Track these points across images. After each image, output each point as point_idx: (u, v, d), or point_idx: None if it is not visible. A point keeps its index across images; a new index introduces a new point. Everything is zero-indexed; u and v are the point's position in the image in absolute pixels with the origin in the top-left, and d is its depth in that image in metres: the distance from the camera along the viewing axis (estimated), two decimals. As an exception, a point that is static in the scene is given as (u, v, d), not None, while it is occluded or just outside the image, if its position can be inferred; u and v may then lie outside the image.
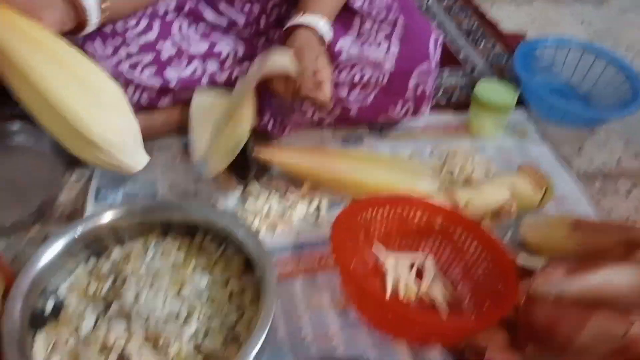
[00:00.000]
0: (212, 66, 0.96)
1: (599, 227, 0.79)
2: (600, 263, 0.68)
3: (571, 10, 1.61)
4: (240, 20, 0.98)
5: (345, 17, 0.96)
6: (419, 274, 0.81)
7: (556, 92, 1.23)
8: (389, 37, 0.95)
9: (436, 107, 1.16)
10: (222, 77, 0.96)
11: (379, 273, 0.81)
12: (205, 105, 0.91)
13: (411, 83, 0.98)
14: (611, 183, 1.04)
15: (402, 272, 0.80)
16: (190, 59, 0.94)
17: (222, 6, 0.97)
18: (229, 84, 0.96)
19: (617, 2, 1.66)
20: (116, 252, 0.73)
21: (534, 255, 0.83)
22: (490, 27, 1.46)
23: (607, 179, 1.04)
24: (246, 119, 0.82)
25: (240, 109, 0.82)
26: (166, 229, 0.77)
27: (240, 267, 0.73)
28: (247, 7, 0.97)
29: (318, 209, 0.91)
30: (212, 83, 0.96)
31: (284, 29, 0.88)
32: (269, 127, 0.99)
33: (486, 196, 0.89)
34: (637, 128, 1.17)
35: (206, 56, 0.95)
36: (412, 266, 0.82)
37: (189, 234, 0.76)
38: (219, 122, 0.86)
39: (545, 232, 0.84)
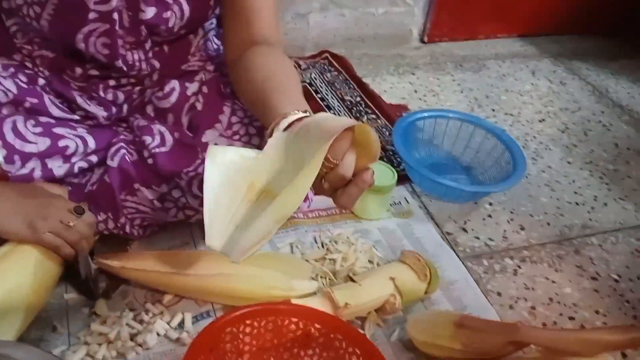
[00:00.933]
0: (54, 163, 0.84)
1: (483, 326, 0.73)
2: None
3: (451, 78, 1.63)
4: (101, 113, 0.87)
5: (215, 104, 0.88)
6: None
7: (439, 166, 1.21)
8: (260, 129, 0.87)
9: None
10: (60, 170, 0.84)
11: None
12: (226, 168, 0.64)
13: None
14: (498, 260, 1.00)
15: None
16: (26, 159, 0.81)
17: (80, 100, 0.86)
18: (70, 175, 0.85)
19: (495, 68, 1.72)
20: None
21: (422, 357, 0.77)
22: (373, 99, 1.44)
23: (494, 256, 1.01)
24: (304, 186, 0.58)
25: (304, 175, 0.57)
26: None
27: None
28: (110, 95, 0.87)
29: (181, 324, 0.79)
30: (48, 177, 0.83)
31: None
32: (127, 228, 0.87)
33: (367, 293, 0.81)
34: (520, 198, 1.16)
35: (47, 154, 0.83)
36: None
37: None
38: (253, 185, 0.63)
39: (431, 331, 0.77)
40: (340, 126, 0.58)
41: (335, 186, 0.62)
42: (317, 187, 0.62)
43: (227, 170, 0.63)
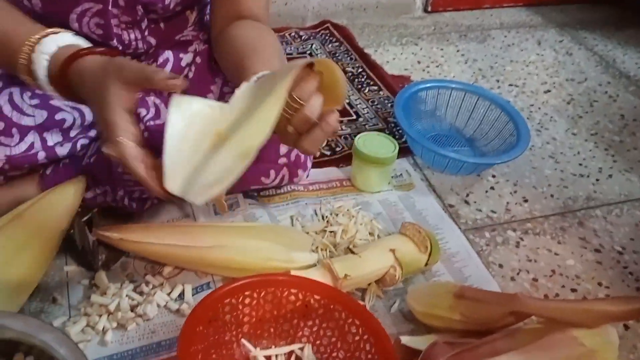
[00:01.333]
0: (53, 137, 0.83)
1: (483, 297, 0.72)
2: (485, 349, 0.60)
3: (455, 48, 1.60)
4: None
5: (207, 74, 0.87)
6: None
7: (441, 137, 1.20)
8: None
9: (319, 160, 1.08)
10: (64, 150, 0.83)
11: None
12: (190, 115, 0.63)
13: (283, 148, 0.89)
14: (500, 233, 0.99)
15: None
16: (24, 132, 0.80)
17: None
18: (74, 155, 0.84)
19: (500, 38, 1.68)
20: None
21: (421, 328, 0.77)
22: (375, 70, 1.42)
23: (496, 229, 1.00)
24: (268, 119, 0.57)
25: (266, 108, 0.57)
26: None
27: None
28: None
29: (181, 296, 0.79)
30: (52, 157, 0.82)
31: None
32: (126, 201, 0.86)
33: (367, 265, 0.81)
34: (523, 169, 1.15)
35: (45, 127, 0.82)
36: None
37: (8, 353, 0.62)
38: (218, 132, 0.62)
39: (431, 302, 0.76)
40: (304, 61, 0.57)
41: (300, 130, 0.61)
42: (282, 133, 0.61)
43: (191, 118, 0.62)
